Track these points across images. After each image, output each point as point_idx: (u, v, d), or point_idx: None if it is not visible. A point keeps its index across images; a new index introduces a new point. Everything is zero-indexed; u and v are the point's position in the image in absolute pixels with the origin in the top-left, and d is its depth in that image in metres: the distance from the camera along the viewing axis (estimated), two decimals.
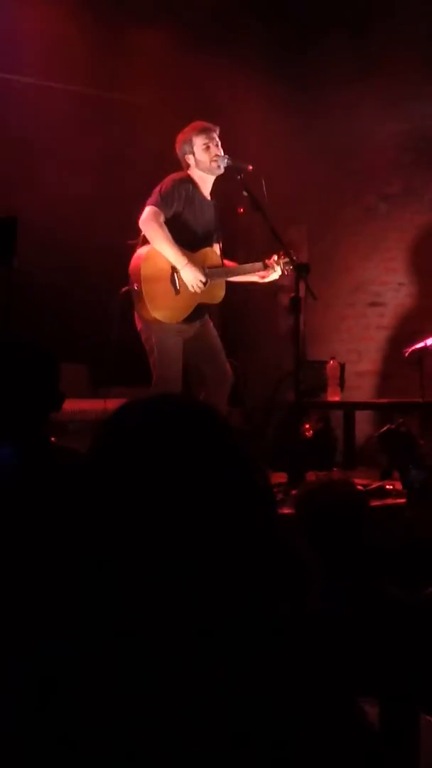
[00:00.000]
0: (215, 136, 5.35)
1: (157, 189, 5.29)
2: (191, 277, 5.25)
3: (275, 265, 5.48)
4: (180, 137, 5.40)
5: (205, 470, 1.05)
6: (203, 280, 5.28)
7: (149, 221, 5.22)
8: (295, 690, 1.07)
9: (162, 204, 5.23)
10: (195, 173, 5.40)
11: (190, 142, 5.34)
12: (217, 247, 5.55)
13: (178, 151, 5.41)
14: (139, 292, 5.27)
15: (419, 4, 7.28)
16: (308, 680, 1.09)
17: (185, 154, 5.37)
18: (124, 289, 5.39)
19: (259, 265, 5.52)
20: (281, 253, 5.48)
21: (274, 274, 5.54)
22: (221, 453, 1.08)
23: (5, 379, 2.53)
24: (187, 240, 5.34)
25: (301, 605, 2.51)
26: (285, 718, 1.04)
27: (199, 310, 5.45)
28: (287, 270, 5.52)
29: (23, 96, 6.93)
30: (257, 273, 5.56)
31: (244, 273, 5.56)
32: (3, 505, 2.23)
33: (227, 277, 5.51)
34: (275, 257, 5.48)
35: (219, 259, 5.50)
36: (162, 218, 5.23)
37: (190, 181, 5.38)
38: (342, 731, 1.08)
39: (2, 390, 2.51)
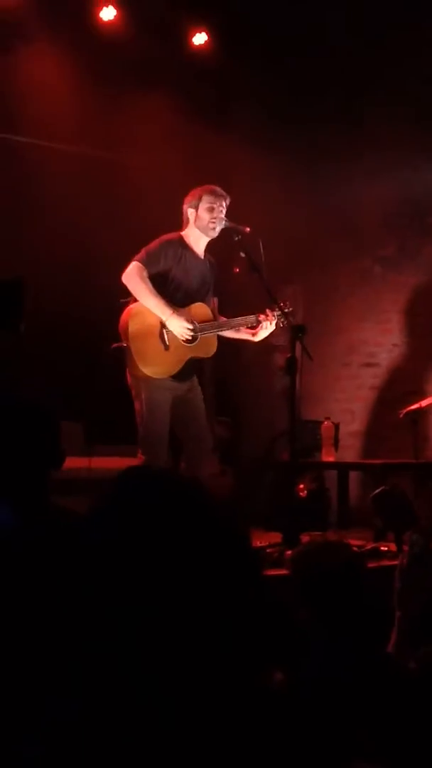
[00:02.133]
0: (223, 203, 5.43)
1: (146, 247, 5.38)
2: (177, 326, 5.29)
3: (267, 320, 5.46)
4: (192, 192, 5.49)
5: (194, 544, 1.07)
6: (190, 327, 5.31)
7: (132, 276, 5.31)
8: (287, 756, 1.07)
9: (146, 261, 5.33)
10: (191, 231, 5.46)
11: (199, 198, 5.42)
12: (210, 303, 5.57)
13: (185, 204, 5.48)
14: (128, 350, 5.32)
15: (413, 75, 7.42)
16: (298, 746, 1.10)
17: (189, 208, 5.45)
18: (114, 345, 5.43)
19: (251, 318, 5.50)
20: (273, 308, 5.50)
21: (265, 332, 5.50)
22: (208, 529, 1.10)
23: (5, 439, 2.53)
24: (176, 297, 5.39)
25: (295, 669, 2.50)
26: None
27: (191, 369, 5.48)
28: (281, 323, 5.53)
29: (22, 156, 7.01)
30: (248, 330, 5.55)
31: (236, 326, 5.55)
32: (1, 567, 2.22)
33: (218, 330, 5.50)
34: (267, 312, 5.47)
35: (210, 314, 5.52)
36: (145, 273, 5.30)
37: (180, 241, 5.45)
38: None
39: (2, 449, 2.52)
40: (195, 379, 5.59)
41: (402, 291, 8.21)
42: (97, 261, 6.58)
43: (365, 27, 7.65)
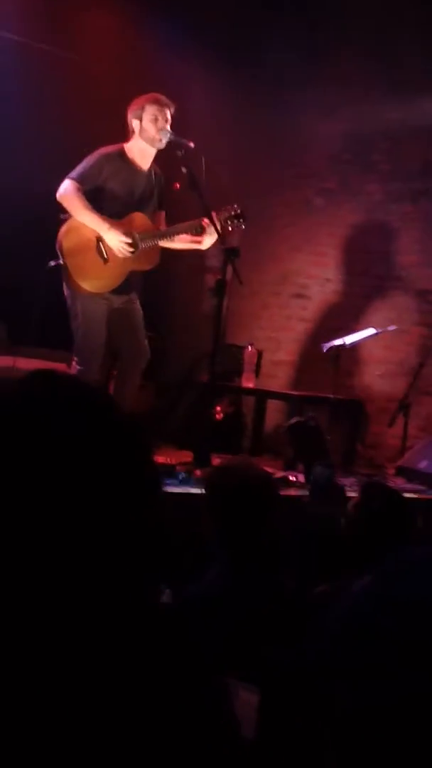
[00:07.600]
0: (167, 111, 5.31)
1: (81, 163, 5.28)
2: (115, 241, 5.24)
3: (210, 225, 5.34)
4: (135, 101, 5.36)
5: (90, 452, 1.06)
6: (128, 240, 5.26)
7: (66, 193, 5.24)
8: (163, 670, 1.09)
9: (80, 178, 5.25)
10: (136, 142, 5.36)
11: (143, 109, 5.31)
12: (152, 215, 5.48)
13: (129, 114, 5.36)
14: (65, 266, 5.30)
15: (370, 12, 7.30)
16: (176, 660, 1.11)
17: (134, 118, 5.34)
18: (52, 263, 5.40)
19: (194, 223, 5.41)
20: (220, 212, 5.40)
21: (210, 239, 5.40)
22: (107, 439, 1.08)
23: None
24: (113, 209, 5.32)
25: (184, 587, 2.53)
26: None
27: (131, 282, 5.43)
28: (234, 225, 5.46)
29: None
30: (195, 238, 5.44)
31: (179, 233, 5.46)
32: None
33: (159, 239, 5.43)
34: (213, 215, 5.34)
35: (150, 223, 5.44)
36: (80, 189, 5.22)
37: (118, 154, 5.35)
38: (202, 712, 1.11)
39: None
40: (134, 294, 5.55)
41: (340, 226, 8.21)
42: (35, 160, 6.39)
43: None
